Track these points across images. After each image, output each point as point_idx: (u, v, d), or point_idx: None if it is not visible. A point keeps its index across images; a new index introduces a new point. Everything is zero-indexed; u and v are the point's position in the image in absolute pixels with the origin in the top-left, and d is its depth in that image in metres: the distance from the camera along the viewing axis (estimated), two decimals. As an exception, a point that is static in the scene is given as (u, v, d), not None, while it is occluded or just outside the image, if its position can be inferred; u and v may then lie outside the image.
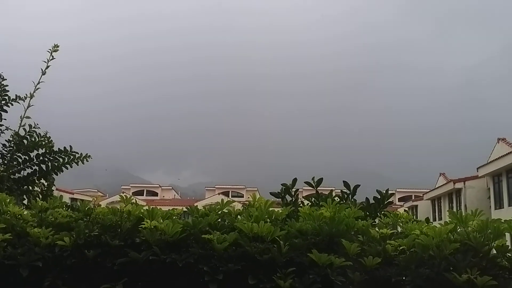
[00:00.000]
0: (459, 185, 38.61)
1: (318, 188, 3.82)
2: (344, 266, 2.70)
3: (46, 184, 5.09)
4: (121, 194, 3.35)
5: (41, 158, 5.01)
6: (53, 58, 5.30)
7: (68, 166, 5.10)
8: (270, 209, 3.26)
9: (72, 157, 5.07)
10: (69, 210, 3.46)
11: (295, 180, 3.86)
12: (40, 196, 4.98)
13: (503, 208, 31.56)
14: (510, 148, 31.08)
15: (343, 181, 3.83)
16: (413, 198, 58.50)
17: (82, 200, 3.46)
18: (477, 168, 35.50)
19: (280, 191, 3.86)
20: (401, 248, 2.88)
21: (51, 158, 5.01)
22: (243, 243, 2.83)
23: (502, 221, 2.90)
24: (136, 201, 3.27)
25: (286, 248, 2.79)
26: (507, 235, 3.00)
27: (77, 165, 5.17)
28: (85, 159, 5.14)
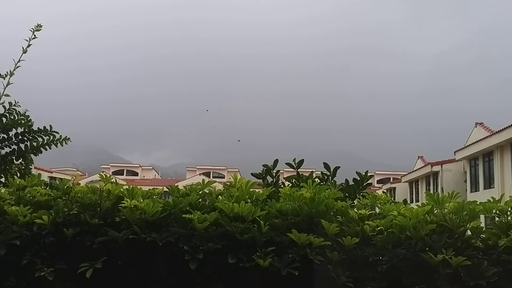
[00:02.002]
0: (436, 168, 39.30)
1: (299, 169, 3.84)
2: (323, 246, 2.74)
3: (24, 163, 5.00)
4: (101, 173, 3.32)
5: (20, 137, 4.91)
6: (35, 37, 5.18)
7: (47, 147, 5.02)
8: (251, 189, 3.27)
9: (51, 137, 4.99)
10: (47, 188, 3.43)
11: (276, 161, 3.88)
12: (18, 175, 4.91)
13: (479, 191, 32.27)
14: (487, 132, 31.64)
15: (324, 163, 3.85)
16: (391, 180, 59.46)
17: (61, 179, 3.41)
18: (455, 152, 36.11)
19: (261, 172, 3.87)
20: (378, 228, 2.93)
21: (30, 137, 4.92)
22: (223, 223, 2.84)
23: (478, 203, 2.97)
24: (116, 180, 3.25)
25: (266, 228, 2.81)
26: (482, 217, 3.07)
27: (56, 147, 5.09)
28: (64, 142, 5.07)
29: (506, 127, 27.51)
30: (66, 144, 5.06)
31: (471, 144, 33.23)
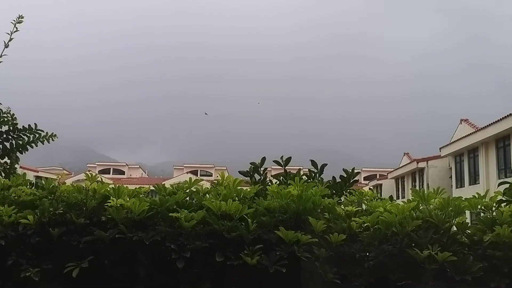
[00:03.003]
0: (422, 165, 39.65)
1: (287, 167, 3.85)
2: (310, 243, 2.75)
3: (9, 162, 4.94)
4: (87, 172, 3.29)
5: (4, 135, 4.85)
6: (17, 30, 5.09)
7: (33, 145, 4.96)
8: (239, 187, 3.27)
9: (37, 135, 4.93)
10: (33, 188, 3.39)
11: (263, 159, 3.88)
12: (3, 174, 4.84)
13: (464, 187, 32.63)
14: (472, 129, 31.99)
15: (311, 160, 3.86)
16: (378, 177, 59.84)
17: (47, 178, 3.38)
18: (440, 148, 36.47)
19: (248, 170, 3.87)
20: (365, 225, 2.94)
21: (15, 136, 4.86)
22: (211, 221, 2.84)
23: (463, 199, 3.00)
24: (102, 179, 3.22)
25: (254, 225, 2.81)
26: (467, 212, 3.10)
27: (43, 144, 5.02)
28: (50, 138, 5.01)
29: (491, 123, 27.84)
30: (53, 140, 5.00)
31: (456, 141, 33.57)
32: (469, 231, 2.91)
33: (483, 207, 3.05)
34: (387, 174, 51.82)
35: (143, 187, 3.46)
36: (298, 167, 3.79)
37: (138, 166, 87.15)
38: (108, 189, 3.07)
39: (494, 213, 2.96)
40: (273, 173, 3.92)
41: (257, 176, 3.85)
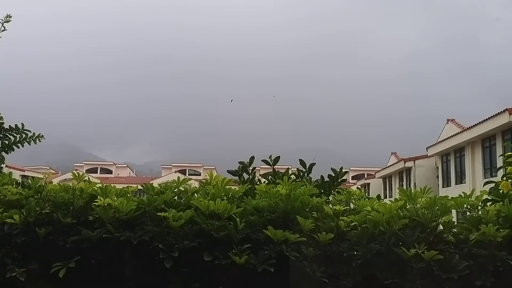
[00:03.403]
0: (409, 164, 39.95)
1: (275, 166, 3.86)
2: (298, 242, 2.76)
3: (-5, 161, 4.88)
4: (74, 171, 3.26)
5: (-11, 135, 4.78)
6: (4, 29, 5.02)
7: (19, 145, 4.90)
8: (227, 187, 3.27)
9: (24, 135, 4.87)
10: (19, 187, 3.35)
11: (252, 158, 3.88)
12: (-12, 174, 4.79)
13: (450, 186, 32.94)
14: (459, 128, 32.31)
15: (299, 160, 3.87)
16: (365, 176, 60.17)
17: (33, 177, 3.34)
18: (427, 148, 36.78)
19: (237, 169, 3.87)
20: (353, 224, 2.96)
21: (1, 135, 4.80)
22: (199, 221, 2.83)
23: (449, 198, 3.03)
24: (89, 178, 3.20)
25: (242, 225, 2.81)
26: (454, 211, 3.13)
27: (29, 144, 4.97)
28: (38, 139, 4.96)
29: (477, 123, 28.15)
30: (40, 141, 4.96)
31: (443, 140, 33.88)
32: (455, 230, 2.93)
33: (469, 206, 3.08)
34: (375, 173, 52.15)
35: (130, 187, 3.44)
36: (287, 167, 3.80)
37: (125, 165, 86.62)
38: (96, 188, 3.04)
39: (480, 212, 3.00)
40: (262, 172, 3.93)
41: (245, 176, 3.86)
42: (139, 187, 3.57)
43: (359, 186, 48.26)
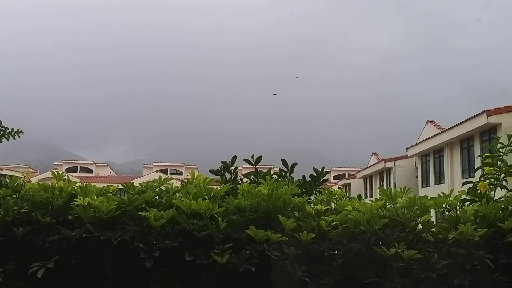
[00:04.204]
0: (389, 164, 40.38)
1: (258, 166, 3.86)
2: (280, 241, 2.76)
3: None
4: (53, 170, 3.21)
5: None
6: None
7: (-3, 141, 4.80)
8: (209, 186, 3.26)
9: (1, 132, 4.78)
10: (-4, 186, 3.29)
11: (234, 158, 3.87)
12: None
13: (430, 186, 33.36)
14: (438, 130, 32.76)
15: (282, 159, 3.88)
16: (346, 176, 60.66)
17: (11, 176, 3.28)
18: (407, 148, 37.20)
19: (219, 169, 3.86)
20: (334, 223, 2.97)
21: (-23, 132, 4.70)
22: (180, 220, 2.82)
23: (428, 198, 3.07)
24: (68, 177, 3.16)
25: (224, 224, 2.81)
26: (432, 211, 3.17)
27: (8, 140, 4.88)
28: (16, 135, 4.87)
29: (456, 124, 28.58)
30: (19, 137, 4.87)
31: (422, 141, 34.31)
32: (434, 229, 2.97)
33: (447, 206, 3.13)
34: (356, 173, 52.58)
35: (111, 186, 3.41)
36: (269, 166, 3.80)
37: (106, 164, 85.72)
38: (75, 187, 3.01)
39: (458, 212, 3.04)
40: (244, 172, 3.93)
41: (227, 175, 3.85)
42: (120, 186, 3.53)
43: (340, 186, 48.61)
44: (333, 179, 65.76)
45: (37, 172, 59.99)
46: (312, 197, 3.67)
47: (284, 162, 3.86)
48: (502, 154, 3.27)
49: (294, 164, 3.86)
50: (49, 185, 3.03)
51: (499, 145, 3.31)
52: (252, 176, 3.78)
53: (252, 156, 3.86)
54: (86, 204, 2.84)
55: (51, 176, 3.09)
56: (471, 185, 3.32)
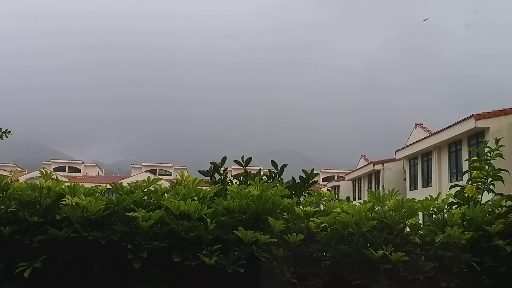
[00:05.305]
0: (378, 167, 40.62)
1: (247, 167, 3.86)
2: (269, 243, 2.76)
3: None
4: (41, 169, 3.19)
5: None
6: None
7: (-16, 142, 4.75)
8: (198, 187, 3.25)
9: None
10: (-18, 185, 3.25)
11: (224, 159, 3.87)
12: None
13: (418, 189, 33.60)
14: (426, 133, 33.00)
15: (271, 161, 3.89)
16: (336, 178, 60.87)
17: (-2, 175, 3.25)
18: (395, 151, 37.43)
19: (209, 170, 3.86)
20: (323, 225, 2.98)
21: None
22: (169, 221, 2.81)
23: (416, 201, 3.09)
24: (57, 177, 3.13)
25: (213, 225, 2.80)
26: (420, 214, 3.20)
27: (-5, 140, 4.82)
28: (4, 135, 4.83)
29: (444, 128, 28.82)
30: (7, 137, 4.83)
31: (411, 144, 34.54)
32: (422, 232, 2.99)
33: (435, 209, 3.15)
34: (345, 175, 52.81)
35: (99, 186, 3.39)
36: (259, 168, 3.80)
37: (94, 164, 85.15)
38: (63, 187, 2.98)
39: (446, 215, 3.07)
40: (234, 173, 3.93)
41: (217, 176, 3.85)
42: (108, 186, 3.51)
43: (330, 188, 48.77)
44: (322, 181, 65.99)
45: (25, 171, 59.43)
46: (301, 199, 3.68)
47: (273, 163, 3.87)
48: (489, 158, 3.30)
49: (284, 166, 3.87)
50: (37, 184, 3.01)
51: (486, 149, 3.35)
52: (241, 177, 3.78)
53: (242, 158, 3.86)
54: (74, 203, 2.82)
55: (39, 175, 3.07)
56: (458, 188, 3.35)
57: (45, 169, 3.15)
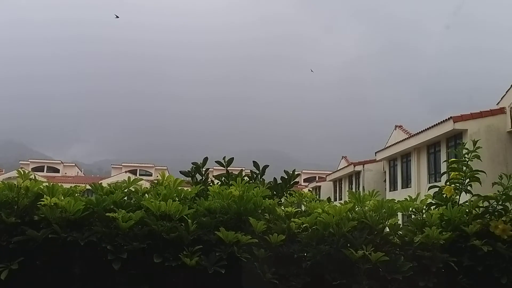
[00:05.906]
0: (358, 168, 40.98)
1: (229, 167, 3.85)
2: (250, 243, 2.76)
3: None
4: (19, 169, 3.13)
5: None
6: None
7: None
8: (180, 187, 3.23)
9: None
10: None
11: (205, 159, 3.86)
12: None
13: (397, 190, 33.96)
14: (406, 135, 33.40)
15: (253, 162, 3.89)
16: (317, 179, 61.24)
17: (-26, 175, 3.19)
18: (375, 153, 37.80)
19: (190, 170, 3.84)
20: (304, 225, 3.00)
21: None
22: (149, 222, 2.79)
23: (396, 201, 3.13)
24: (35, 176, 3.08)
25: (194, 226, 2.79)
26: (399, 214, 3.23)
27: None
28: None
29: (423, 130, 29.19)
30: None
31: (390, 146, 34.92)
32: (401, 232, 3.03)
33: (414, 210, 3.19)
34: (326, 176, 53.17)
35: (78, 186, 3.35)
36: (240, 168, 3.80)
37: (73, 164, 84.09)
38: (42, 187, 2.94)
39: (424, 215, 3.11)
40: (215, 173, 3.92)
41: (198, 177, 3.83)
42: (88, 186, 3.47)
43: (311, 189, 49.02)
44: (304, 181, 66.29)
45: (2, 171, 58.39)
46: (282, 200, 3.69)
47: (255, 164, 3.87)
48: (467, 160, 3.36)
49: (266, 167, 3.87)
50: (15, 184, 2.96)
51: (464, 151, 3.40)
52: (223, 178, 3.78)
53: (224, 158, 3.85)
54: (52, 204, 2.78)
55: (16, 175, 3.02)
56: (437, 189, 3.40)
57: (23, 169, 3.10)
